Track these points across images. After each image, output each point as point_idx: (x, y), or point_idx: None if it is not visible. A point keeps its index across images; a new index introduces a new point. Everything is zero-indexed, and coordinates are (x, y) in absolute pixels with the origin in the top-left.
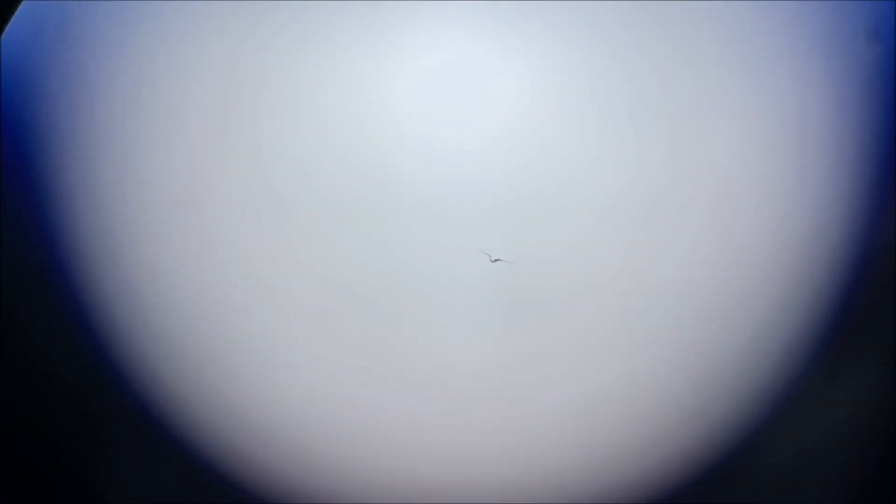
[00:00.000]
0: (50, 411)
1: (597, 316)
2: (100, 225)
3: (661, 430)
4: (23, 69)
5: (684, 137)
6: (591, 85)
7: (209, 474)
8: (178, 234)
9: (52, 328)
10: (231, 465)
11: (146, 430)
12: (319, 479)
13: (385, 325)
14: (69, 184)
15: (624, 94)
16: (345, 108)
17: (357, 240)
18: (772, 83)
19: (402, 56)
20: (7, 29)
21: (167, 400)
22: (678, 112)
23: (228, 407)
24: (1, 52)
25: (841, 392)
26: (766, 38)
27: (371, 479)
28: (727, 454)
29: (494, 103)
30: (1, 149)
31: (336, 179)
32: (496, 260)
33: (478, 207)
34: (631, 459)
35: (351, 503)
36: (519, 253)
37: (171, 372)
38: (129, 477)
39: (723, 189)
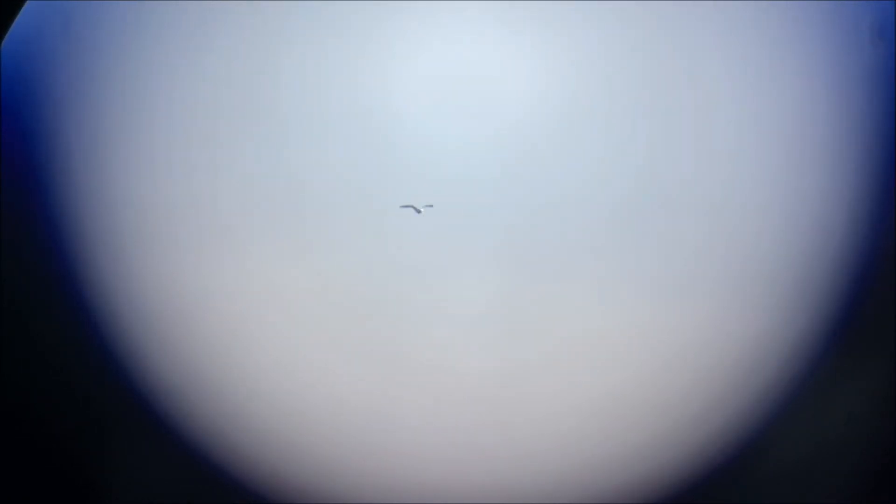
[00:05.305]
0: (56, 411)
1: (602, 317)
2: (104, 225)
3: (666, 431)
4: (26, 69)
5: (688, 138)
6: (596, 84)
7: (215, 475)
8: (182, 234)
9: (58, 329)
10: (236, 466)
11: (152, 430)
12: (325, 480)
13: (390, 326)
14: (73, 183)
15: (629, 95)
16: (350, 107)
17: (363, 240)
18: (775, 84)
19: (410, 56)
20: (10, 29)
21: (173, 401)
22: (681, 113)
23: (233, 408)
24: (3, 51)
25: (844, 394)
26: (771, 38)
27: (376, 480)
28: (731, 456)
29: (502, 103)
30: (3, 148)
31: (341, 179)
32: (427, 206)
33: (484, 207)
34: (635, 461)
35: (356, 503)
36: (524, 252)
37: (175, 373)
38: (136, 477)
39: (727, 190)
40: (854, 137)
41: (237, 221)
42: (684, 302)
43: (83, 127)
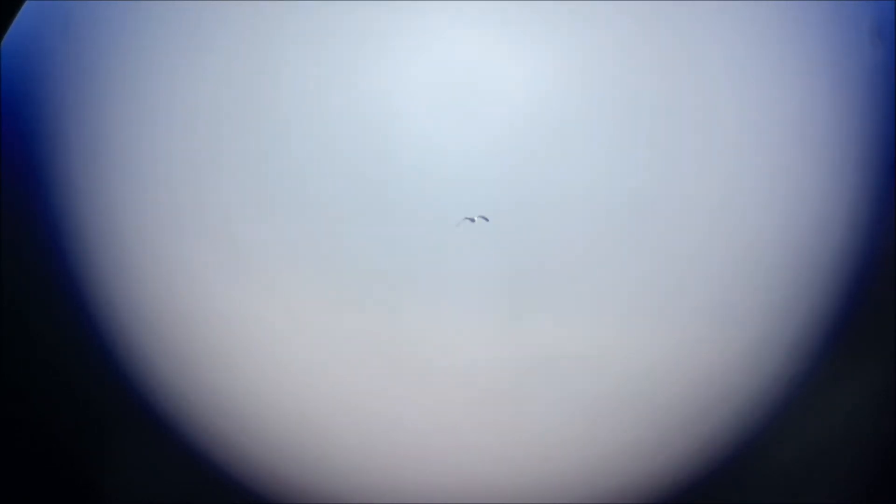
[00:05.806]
0: (56, 411)
1: (601, 317)
2: (104, 225)
3: (665, 431)
4: (26, 69)
5: (688, 139)
6: (595, 85)
7: (215, 475)
8: (182, 234)
9: (58, 329)
10: (236, 466)
11: (152, 430)
12: (325, 480)
13: (389, 327)
14: (73, 184)
15: (629, 96)
16: (350, 108)
17: (363, 241)
18: (775, 84)
19: (409, 56)
20: (10, 28)
21: (173, 401)
22: (682, 114)
23: (233, 408)
24: (3, 51)
25: (844, 394)
26: (771, 38)
27: (376, 480)
28: (731, 456)
29: (500, 104)
30: (3, 148)
31: (341, 180)
32: (481, 217)
33: (485, 208)
34: (634, 460)
35: (356, 503)
36: (524, 253)
37: (175, 373)
38: (136, 477)
39: (727, 190)
40: (854, 137)
41: (236, 221)
42: (684, 300)
43: (83, 127)
